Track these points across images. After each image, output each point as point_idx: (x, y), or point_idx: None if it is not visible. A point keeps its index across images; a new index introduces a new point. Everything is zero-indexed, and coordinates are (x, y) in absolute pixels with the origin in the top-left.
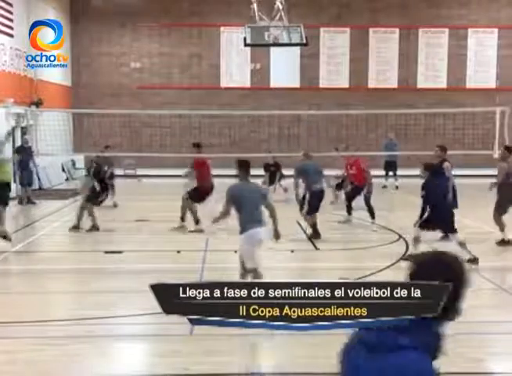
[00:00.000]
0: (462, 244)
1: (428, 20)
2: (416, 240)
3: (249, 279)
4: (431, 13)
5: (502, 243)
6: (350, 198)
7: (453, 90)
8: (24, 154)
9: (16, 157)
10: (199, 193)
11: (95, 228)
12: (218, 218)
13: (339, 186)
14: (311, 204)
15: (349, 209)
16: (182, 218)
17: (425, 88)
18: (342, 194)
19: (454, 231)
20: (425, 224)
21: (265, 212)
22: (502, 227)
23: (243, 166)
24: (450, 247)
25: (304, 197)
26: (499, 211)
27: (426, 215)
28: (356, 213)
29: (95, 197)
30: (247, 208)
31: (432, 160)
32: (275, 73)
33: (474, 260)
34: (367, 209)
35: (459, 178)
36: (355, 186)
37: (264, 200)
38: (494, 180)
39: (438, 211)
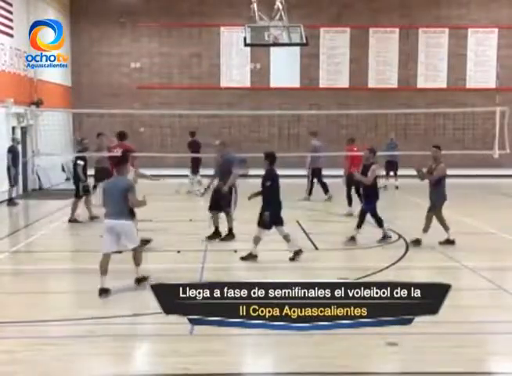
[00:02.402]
0: (286, 237)
1: (428, 20)
2: (257, 239)
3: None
4: (431, 13)
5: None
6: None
7: (453, 90)
8: (15, 154)
9: (9, 157)
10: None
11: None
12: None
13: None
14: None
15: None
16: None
17: (425, 88)
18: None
19: (282, 224)
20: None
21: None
22: (446, 226)
23: (120, 162)
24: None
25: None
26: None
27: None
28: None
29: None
30: (108, 201)
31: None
32: (275, 73)
33: (297, 252)
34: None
35: (460, 178)
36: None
37: (126, 196)
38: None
39: (275, 203)
